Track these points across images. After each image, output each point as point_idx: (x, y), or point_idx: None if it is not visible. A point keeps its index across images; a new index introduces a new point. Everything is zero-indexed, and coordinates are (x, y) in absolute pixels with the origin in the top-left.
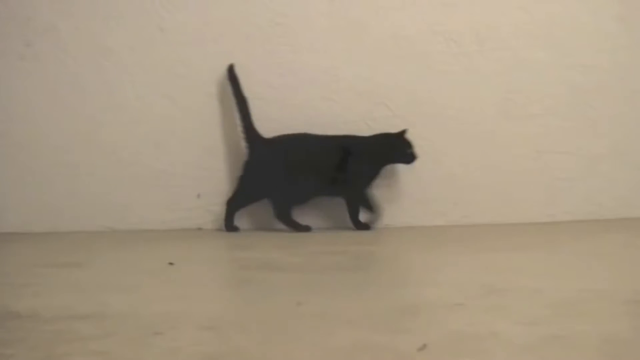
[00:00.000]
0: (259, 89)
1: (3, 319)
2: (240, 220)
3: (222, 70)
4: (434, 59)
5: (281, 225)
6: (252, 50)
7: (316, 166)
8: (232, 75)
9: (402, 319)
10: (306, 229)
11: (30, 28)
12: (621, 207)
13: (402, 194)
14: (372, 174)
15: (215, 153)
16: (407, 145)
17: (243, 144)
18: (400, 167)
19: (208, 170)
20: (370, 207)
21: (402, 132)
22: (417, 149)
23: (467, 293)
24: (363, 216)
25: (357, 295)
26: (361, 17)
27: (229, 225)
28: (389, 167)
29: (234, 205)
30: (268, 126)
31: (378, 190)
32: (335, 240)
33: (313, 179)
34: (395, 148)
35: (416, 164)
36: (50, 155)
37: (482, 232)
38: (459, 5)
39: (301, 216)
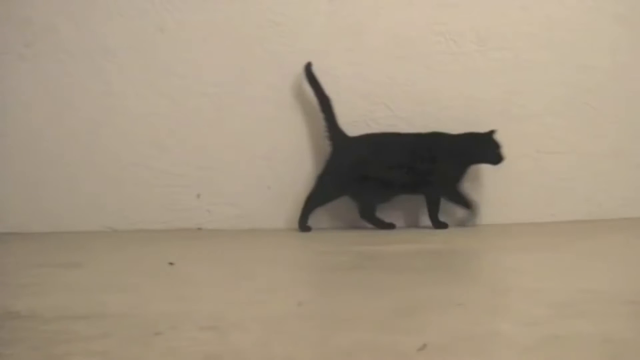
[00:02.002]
0: (259, 89)
1: (3, 319)
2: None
3: (222, 70)
4: (434, 59)
5: (364, 223)
6: (252, 50)
7: (400, 164)
8: (309, 74)
9: (402, 319)
10: (390, 226)
11: (30, 28)
12: (621, 207)
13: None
14: (458, 173)
15: (216, 153)
16: (496, 145)
17: (326, 142)
18: None
19: (208, 170)
20: (466, 204)
21: (491, 132)
22: None
23: (467, 293)
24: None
25: (358, 295)
26: (361, 17)
27: (303, 225)
28: None
29: (312, 203)
30: (268, 126)
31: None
32: (339, 240)
33: (396, 177)
34: (483, 148)
35: None
36: (50, 155)
37: (482, 232)
38: (459, 5)
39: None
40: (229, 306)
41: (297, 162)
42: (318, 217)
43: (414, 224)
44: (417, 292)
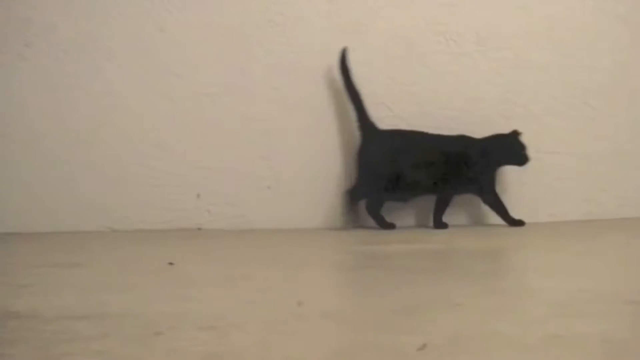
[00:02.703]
0: (259, 89)
1: (3, 319)
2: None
3: (222, 70)
4: (434, 59)
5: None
6: (252, 50)
7: (427, 164)
8: (343, 63)
9: (402, 319)
10: (391, 226)
11: (30, 28)
12: (621, 207)
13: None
14: (492, 176)
15: (216, 153)
16: (521, 146)
17: (357, 134)
18: None
19: (208, 170)
20: (504, 213)
21: (516, 133)
22: None
23: (466, 293)
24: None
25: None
26: (361, 16)
27: (349, 221)
28: None
29: (353, 196)
30: (268, 126)
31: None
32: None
33: (421, 176)
34: (509, 149)
35: None
36: (50, 155)
37: (481, 232)
38: (459, 5)
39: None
40: (228, 306)
41: (297, 162)
42: (318, 217)
43: (413, 224)
44: (417, 292)
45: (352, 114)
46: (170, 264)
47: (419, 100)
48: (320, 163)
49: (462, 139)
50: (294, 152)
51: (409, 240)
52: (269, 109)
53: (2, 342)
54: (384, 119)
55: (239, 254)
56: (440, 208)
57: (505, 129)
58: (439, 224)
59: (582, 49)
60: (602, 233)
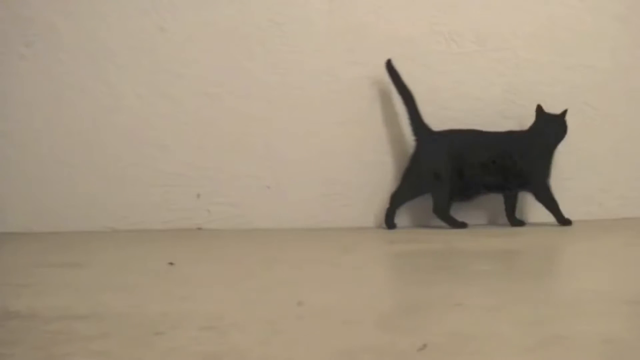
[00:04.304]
0: (259, 89)
1: (3, 319)
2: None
3: (222, 70)
4: (434, 59)
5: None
6: (252, 50)
7: (484, 162)
8: (391, 70)
9: (402, 319)
10: (462, 225)
11: (30, 28)
12: (621, 207)
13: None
14: (547, 166)
15: (216, 153)
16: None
17: (410, 137)
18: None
19: (208, 170)
20: (556, 211)
21: (564, 113)
22: None
23: (467, 293)
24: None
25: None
26: (361, 16)
27: (390, 222)
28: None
29: (398, 199)
30: (268, 126)
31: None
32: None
33: (480, 175)
34: (559, 129)
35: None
36: (50, 155)
37: (481, 232)
38: (459, 5)
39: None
40: (229, 306)
41: (298, 162)
42: (318, 217)
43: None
44: (417, 292)
45: (405, 119)
46: (170, 264)
47: (418, 100)
48: (320, 163)
49: (514, 134)
50: (294, 152)
51: (409, 240)
52: (269, 109)
53: (2, 342)
54: (384, 119)
55: (239, 254)
56: (509, 206)
57: (506, 129)
58: (516, 222)
59: (582, 49)
60: (602, 233)
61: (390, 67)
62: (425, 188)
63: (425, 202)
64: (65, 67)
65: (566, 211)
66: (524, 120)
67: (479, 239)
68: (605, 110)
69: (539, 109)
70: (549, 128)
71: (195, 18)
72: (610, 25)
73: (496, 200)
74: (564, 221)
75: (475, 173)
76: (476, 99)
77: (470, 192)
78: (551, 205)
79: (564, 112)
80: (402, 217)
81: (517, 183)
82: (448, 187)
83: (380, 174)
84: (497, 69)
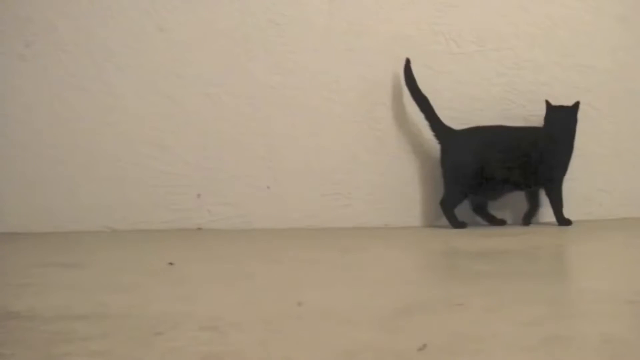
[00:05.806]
0: (259, 89)
1: (3, 319)
2: None
3: (222, 70)
4: (434, 59)
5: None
6: (252, 50)
7: (512, 159)
8: (408, 72)
9: (402, 319)
10: (462, 225)
11: (30, 28)
12: (621, 207)
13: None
14: (566, 162)
15: (216, 153)
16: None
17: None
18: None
19: (208, 170)
20: (559, 211)
21: (577, 105)
22: (418, 149)
23: (467, 293)
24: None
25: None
26: (361, 16)
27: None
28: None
29: (449, 204)
30: (268, 126)
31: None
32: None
33: (508, 172)
34: (572, 121)
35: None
36: (50, 155)
37: (481, 232)
38: (459, 5)
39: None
40: (228, 306)
41: (297, 162)
42: (318, 217)
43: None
44: (417, 292)
45: (423, 121)
46: (171, 264)
47: None
48: (320, 163)
49: (535, 129)
50: (294, 152)
51: (409, 240)
52: (269, 109)
53: (2, 342)
54: (384, 119)
55: (239, 254)
56: (533, 205)
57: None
58: (563, 221)
59: (582, 49)
60: (602, 233)
61: (407, 69)
62: (467, 188)
63: (425, 202)
64: (65, 67)
65: (566, 211)
66: (525, 120)
67: (479, 238)
68: (605, 111)
69: (548, 103)
70: (565, 121)
71: (195, 18)
72: (610, 25)
73: (496, 200)
74: (564, 221)
75: (499, 169)
76: (476, 99)
77: (496, 189)
78: (557, 203)
79: (576, 104)
80: (409, 217)
81: (540, 179)
82: (465, 187)
83: (380, 174)
84: (497, 69)
